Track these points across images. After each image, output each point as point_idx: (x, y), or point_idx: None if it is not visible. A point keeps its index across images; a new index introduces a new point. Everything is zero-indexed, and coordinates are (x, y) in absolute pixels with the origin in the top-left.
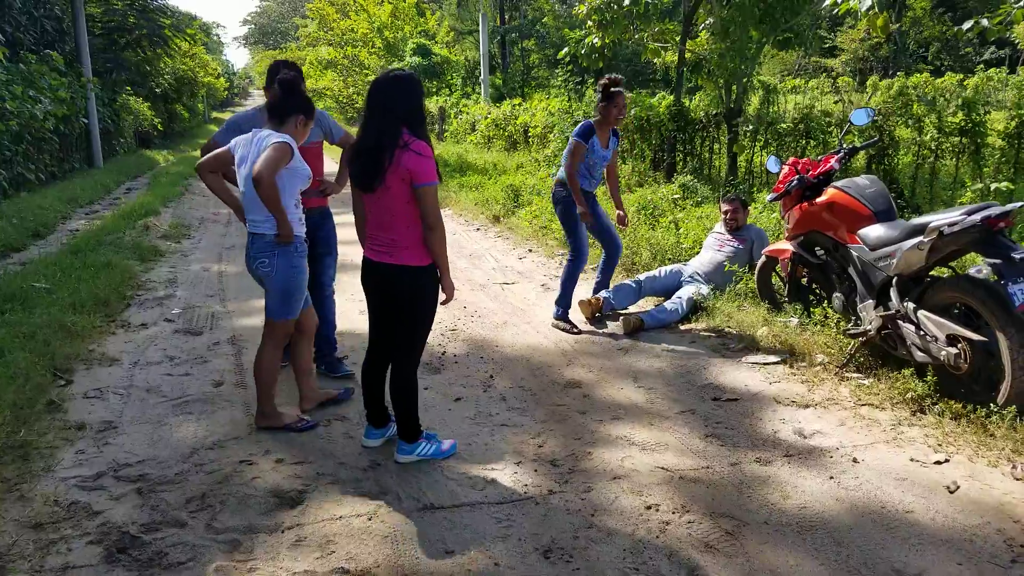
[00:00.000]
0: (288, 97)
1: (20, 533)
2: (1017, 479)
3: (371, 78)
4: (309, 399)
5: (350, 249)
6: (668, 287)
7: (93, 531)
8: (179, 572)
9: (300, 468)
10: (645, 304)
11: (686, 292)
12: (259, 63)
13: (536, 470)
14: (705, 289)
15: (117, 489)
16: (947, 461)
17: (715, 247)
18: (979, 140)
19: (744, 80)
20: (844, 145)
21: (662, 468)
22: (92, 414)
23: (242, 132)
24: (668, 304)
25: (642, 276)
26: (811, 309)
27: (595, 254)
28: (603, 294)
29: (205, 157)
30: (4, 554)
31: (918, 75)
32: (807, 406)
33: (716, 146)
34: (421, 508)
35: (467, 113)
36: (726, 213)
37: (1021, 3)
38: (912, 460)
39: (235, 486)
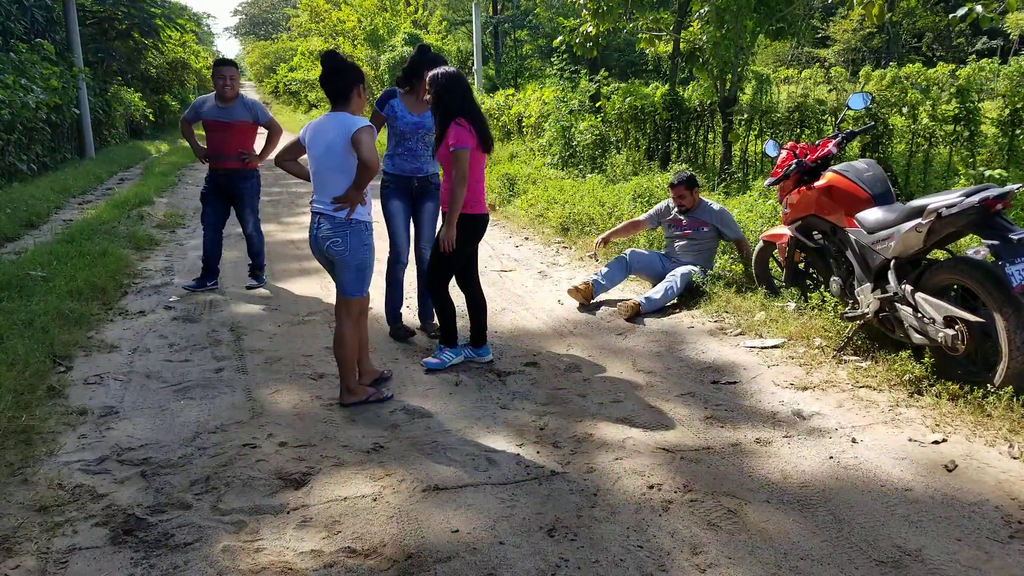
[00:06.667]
0: (340, 74)
1: (25, 516)
2: (1014, 458)
3: (363, 70)
4: (368, 374)
5: None
6: (652, 263)
7: (98, 513)
8: (186, 553)
9: (304, 451)
10: (637, 287)
11: (679, 271)
12: (250, 54)
13: (538, 452)
14: (696, 268)
15: (121, 472)
16: (945, 441)
17: (678, 235)
18: (973, 128)
19: (739, 69)
20: (841, 130)
21: (663, 449)
22: (93, 400)
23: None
24: (663, 285)
25: (627, 251)
26: (808, 293)
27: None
28: (592, 277)
29: (280, 150)
30: (10, 536)
31: (910, 65)
32: (805, 388)
33: (711, 135)
34: (425, 489)
35: None
36: (675, 198)
37: None
38: (910, 440)
39: (239, 468)
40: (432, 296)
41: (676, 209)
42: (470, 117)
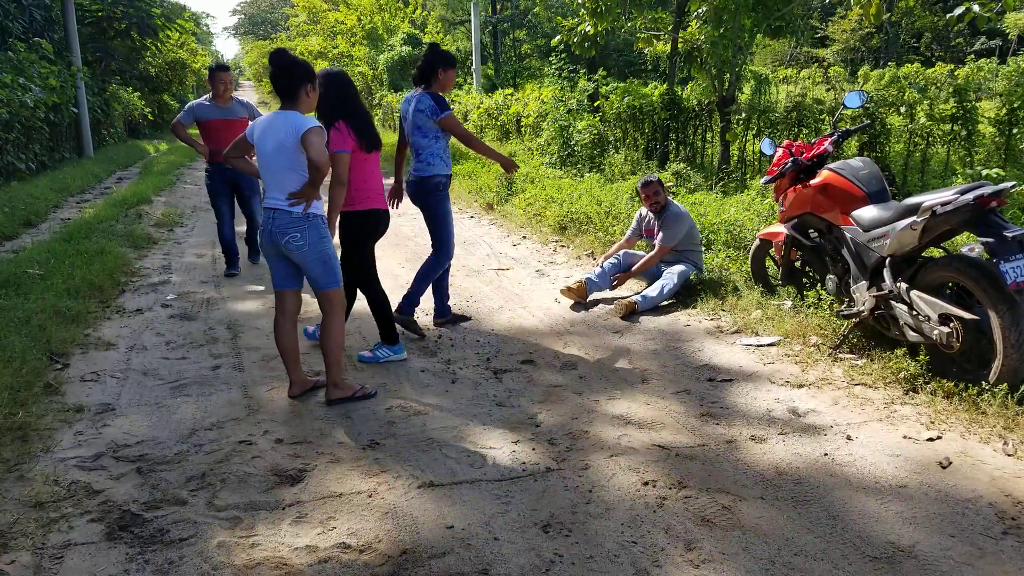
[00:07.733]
0: (288, 73)
1: (21, 512)
2: (1008, 455)
3: (360, 69)
4: (299, 384)
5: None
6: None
7: (94, 509)
8: (181, 548)
9: (299, 448)
10: (634, 286)
11: (675, 269)
12: (249, 53)
13: (534, 448)
14: (690, 267)
15: (117, 469)
16: (939, 438)
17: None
18: (970, 127)
19: (737, 69)
20: (837, 129)
21: (659, 446)
22: (90, 397)
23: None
24: (659, 283)
25: (620, 252)
26: (804, 291)
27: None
28: (586, 276)
29: (228, 147)
30: (6, 532)
31: (909, 65)
32: (801, 386)
33: (709, 134)
34: (420, 485)
35: (459, 103)
36: (646, 198)
37: None
38: (905, 437)
39: (235, 465)
40: (365, 296)
41: (650, 214)
42: (350, 119)
